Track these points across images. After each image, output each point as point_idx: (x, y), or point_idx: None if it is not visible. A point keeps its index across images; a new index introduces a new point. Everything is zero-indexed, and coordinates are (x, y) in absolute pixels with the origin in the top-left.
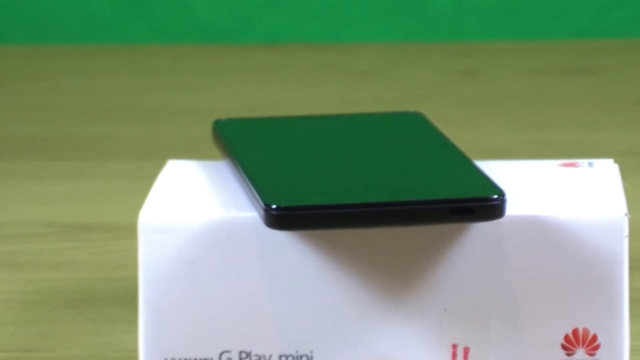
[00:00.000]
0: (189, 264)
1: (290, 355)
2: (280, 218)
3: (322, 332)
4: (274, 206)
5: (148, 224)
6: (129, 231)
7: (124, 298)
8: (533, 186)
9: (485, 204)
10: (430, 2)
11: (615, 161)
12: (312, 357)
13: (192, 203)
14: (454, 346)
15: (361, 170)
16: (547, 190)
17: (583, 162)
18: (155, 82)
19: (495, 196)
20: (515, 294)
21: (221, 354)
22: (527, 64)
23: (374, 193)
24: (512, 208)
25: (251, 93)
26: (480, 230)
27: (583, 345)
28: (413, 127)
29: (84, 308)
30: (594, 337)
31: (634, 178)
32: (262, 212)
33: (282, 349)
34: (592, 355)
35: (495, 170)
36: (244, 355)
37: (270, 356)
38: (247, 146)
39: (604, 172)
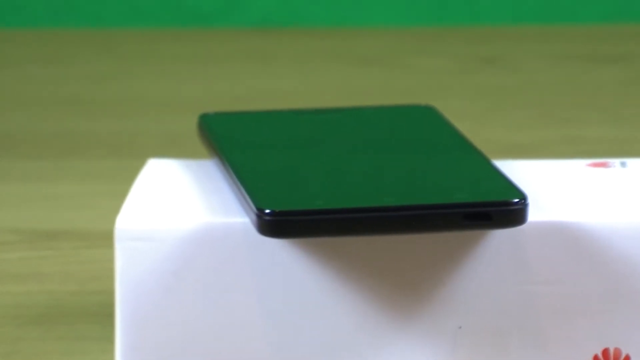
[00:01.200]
0: (172, 275)
1: None
2: (275, 224)
3: (321, 353)
4: (267, 211)
5: (126, 230)
6: (105, 239)
7: (99, 314)
8: (559, 189)
9: (505, 208)
10: None
11: None
12: None
13: (176, 207)
14: None
15: (365, 171)
16: (574, 193)
17: (615, 161)
18: (132, 71)
19: (516, 200)
20: (538, 310)
21: None
22: (555, 50)
23: (379, 196)
24: (535, 213)
25: (242, 83)
26: (498, 238)
27: None
28: (423, 123)
29: (54, 325)
30: (627, 359)
31: None
32: (254, 217)
33: None
34: None
35: (516, 170)
36: None
37: None
38: (238, 143)
39: (639, 173)
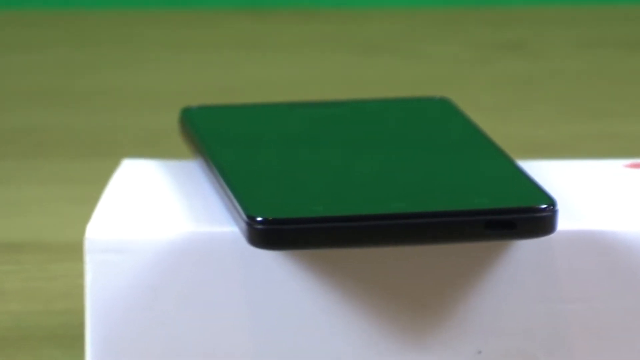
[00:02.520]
0: (150, 293)
1: None
2: (268, 234)
3: None
4: (259, 219)
5: (97, 241)
6: (73, 251)
7: (67, 336)
8: (592, 193)
9: (531, 215)
10: None
11: None
12: None
13: (154, 215)
14: None
15: (371, 174)
16: (610, 198)
17: None
18: (104, 58)
19: (544, 206)
20: (568, 332)
21: None
22: (585, 35)
23: (388, 202)
24: (565, 221)
25: (230, 73)
26: (524, 249)
27: None
28: (438, 117)
29: (15, 349)
30: None
31: None
32: (244, 226)
33: None
34: None
35: (543, 172)
36: None
37: None
38: (225, 141)
39: None
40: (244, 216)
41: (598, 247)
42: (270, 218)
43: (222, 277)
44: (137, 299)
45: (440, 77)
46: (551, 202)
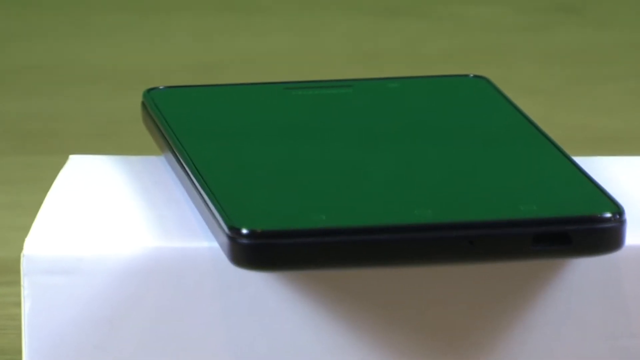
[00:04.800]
0: (106, 324)
1: None
2: (256, 251)
3: None
4: (244, 231)
5: (37, 260)
6: (6, 272)
7: None
8: None
9: (591, 227)
10: None
11: None
12: None
13: (110, 226)
14: None
15: (387, 174)
16: None
17: None
18: (42, 25)
19: (608, 215)
20: None
21: None
22: None
23: (408, 210)
24: (636, 234)
25: (207, 43)
26: (582, 270)
27: None
28: (473, 101)
29: None
30: None
31: None
32: (226, 240)
33: None
34: None
35: (608, 171)
36: None
37: None
38: (200, 132)
39: None
40: (226, 228)
41: None
42: (258, 230)
43: (197, 305)
44: (89, 334)
45: (478, 48)
46: (617, 210)
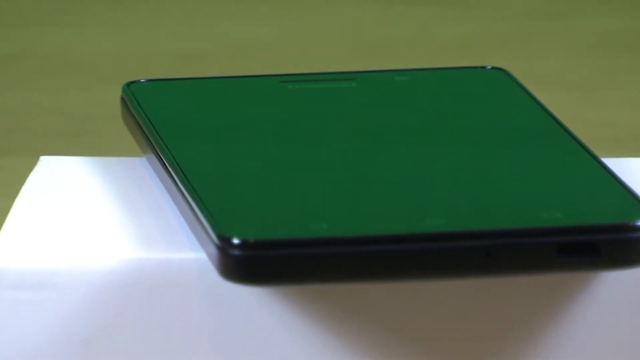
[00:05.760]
0: (82, 346)
1: None
2: (248, 263)
3: None
4: (236, 241)
5: (4, 273)
6: None
7: None
8: None
9: (622, 237)
10: None
11: None
12: None
13: (87, 235)
14: None
15: (395, 178)
16: None
17: None
18: (12, 12)
19: None
20: None
21: None
22: None
23: (419, 219)
24: None
25: (194, 30)
26: (612, 285)
27: None
28: (490, 96)
29: None
30: None
31: None
32: (215, 251)
33: None
34: None
35: None
36: None
37: None
38: (186, 130)
39: None
40: (215, 237)
41: None
42: (251, 240)
43: (182, 324)
44: (63, 357)
45: (497, 36)
46: None
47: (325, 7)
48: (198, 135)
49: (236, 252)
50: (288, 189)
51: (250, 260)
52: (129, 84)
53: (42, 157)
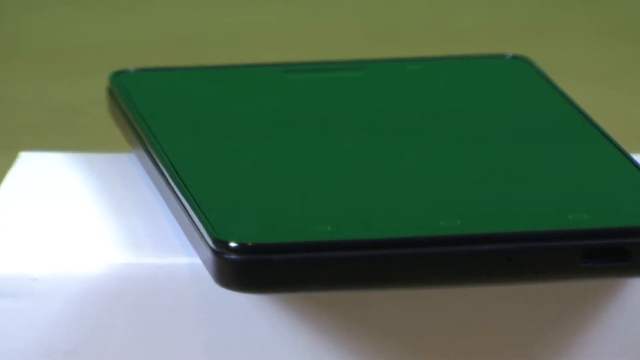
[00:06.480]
0: (65, 356)
1: None
2: (247, 269)
3: None
4: (233, 244)
5: None
6: None
7: None
8: None
9: None
10: None
11: None
12: None
13: (71, 238)
14: None
15: (406, 176)
16: None
17: None
18: None
19: None
20: None
21: None
22: None
23: (432, 220)
24: None
25: (190, 16)
26: None
27: None
28: (511, 87)
29: None
30: None
31: None
32: (210, 256)
33: None
34: None
35: None
36: None
37: None
38: (179, 124)
39: None
40: (210, 241)
41: None
42: (249, 244)
43: (174, 334)
44: None
45: (518, 22)
46: None
47: None
48: (192, 130)
49: (233, 256)
50: (289, 189)
51: (249, 266)
52: (116, 74)
53: (21, 153)
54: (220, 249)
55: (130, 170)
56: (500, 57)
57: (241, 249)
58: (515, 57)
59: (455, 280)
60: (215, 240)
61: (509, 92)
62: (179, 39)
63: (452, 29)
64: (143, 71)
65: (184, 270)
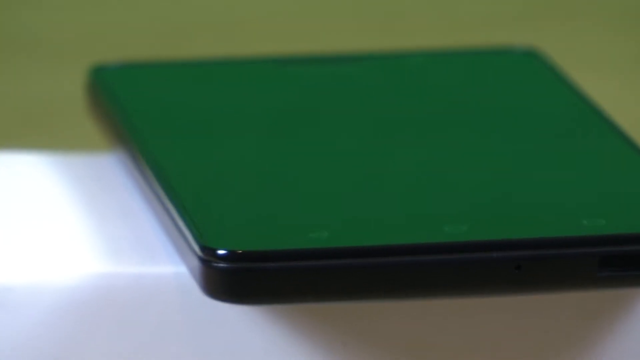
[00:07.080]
0: None
1: None
2: (235, 277)
3: None
4: (221, 252)
5: None
6: None
7: None
8: None
9: None
10: None
11: None
12: None
13: (47, 245)
14: None
15: (408, 179)
16: None
17: None
18: None
19: None
20: None
21: None
22: None
23: (436, 226)
24: None
25: (177, 5)
26: None
27: None
28: (520, 81)
29: None
30: None
31: None
32: (197, 264)
33: None
34: None
35: None
36: None
37: None
38: (165, 122)
39: None
40: (197, 248)
41: None
42: (239, 252)
43: (159, 347)
44: None
45: (528, 11)
46: None
47: None
48: (179, 128)
49: (222, 264)
50: (283, 192)
51: (239, 275)
52: (97, 68)
53: None
54: (208, 257)
55: (111, 171)
56: (509, 50)
57: (230, 257)
58: (526, 50)
59: (461, 290)
60: (202, 247)
61: (517, 87)
62: (164, 30)
63: (456, 19)
64: (127, 65)
65: (169, 280)
